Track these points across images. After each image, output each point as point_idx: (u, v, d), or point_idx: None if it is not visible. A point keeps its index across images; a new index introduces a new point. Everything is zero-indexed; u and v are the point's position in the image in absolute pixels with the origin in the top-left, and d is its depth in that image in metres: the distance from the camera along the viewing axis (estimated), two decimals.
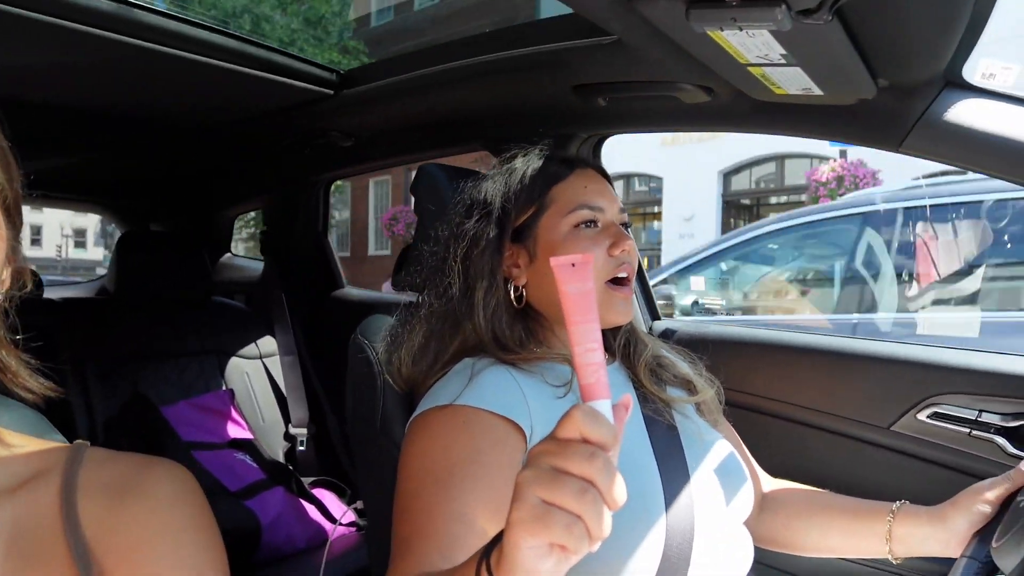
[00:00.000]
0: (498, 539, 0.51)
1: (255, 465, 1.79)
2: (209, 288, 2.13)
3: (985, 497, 0.88)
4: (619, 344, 1.04)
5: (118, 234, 2.37)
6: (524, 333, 0.96)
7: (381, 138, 1.65)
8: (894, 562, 0.94)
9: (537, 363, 0.92)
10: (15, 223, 0.54)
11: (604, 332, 1.05)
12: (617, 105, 1.21)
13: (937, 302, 3.07)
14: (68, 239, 28.22)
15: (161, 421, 1.72)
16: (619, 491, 0.45)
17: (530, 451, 0.49)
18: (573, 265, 0.49)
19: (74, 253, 28.03)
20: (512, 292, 0.97)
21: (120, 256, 2.04)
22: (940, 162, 1.01)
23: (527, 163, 0.99)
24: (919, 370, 1.13)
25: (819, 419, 1.23)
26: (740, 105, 1.10)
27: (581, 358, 0.48)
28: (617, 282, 0.95)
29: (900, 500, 0.97)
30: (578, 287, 0.48)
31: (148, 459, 0.59)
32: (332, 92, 1.39)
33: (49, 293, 2.05)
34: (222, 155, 1.98)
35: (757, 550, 0.95)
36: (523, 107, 1.33)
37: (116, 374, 1.88)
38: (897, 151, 1.00)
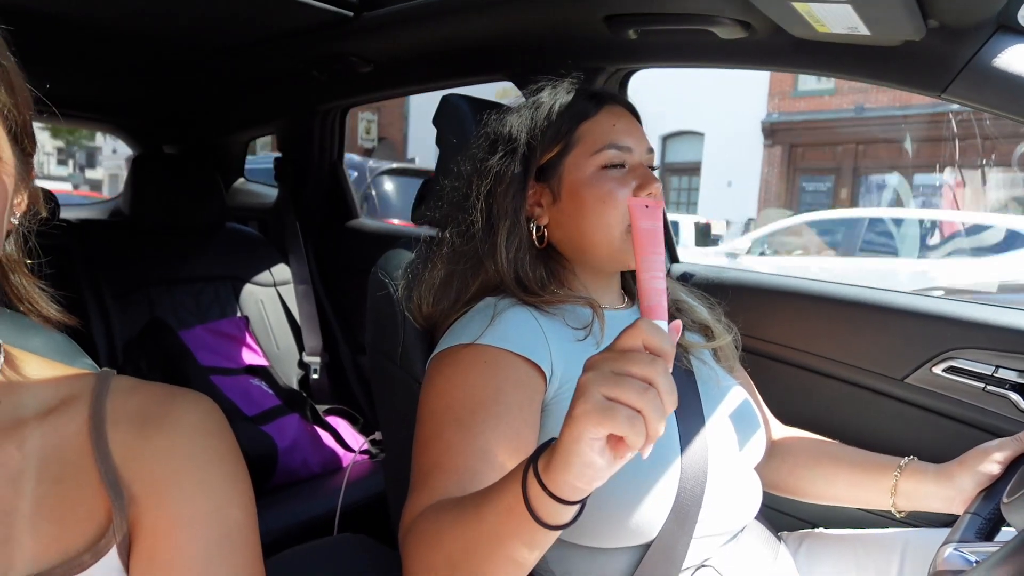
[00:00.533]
0: (543, 448, 0.55)
1: (270, 391, 1.83)
2: (223, 213, 2.12)
3: (993, 457, 0.89)
4: (636, 286, 1.04)
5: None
6: (546, 274, 0.95)
7: (401, 64, 1.60)
8: (897, 515, 0.96)
9: (558, 305, 0.92)
10: (25, 148, 0.53)
11: (624, 274, 1.04)
12: (648, 38, 1.16)
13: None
14: (50, 157, 28.03)
15: (180, 345, 1.74)
16: (675, 395, 0.50)
17: (589, 359, 0.53)
18: (647, 206, 0.58)
19: (56, 170, 27.73)
20: (534, 232, 0.96)
21: (135, 178, 2.02)
22: (984, 110, 0.97)
23: (554, 97, 0.96)
24: (937, 323, 1.12)
25: (833, 368, 1.23)
26: (778, 42, 1.05)
27: (647, 284, 0.57)
28: None
29: (909, 455, 0.98)
30: (650, 224, 0.57)
31: (174, 389, 0.60)
32: (352, 14, 1.34)
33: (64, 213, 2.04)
34: (237, 77, 1.93)
35: (764, 494, 0.97)
36: (550, 37, 1.28)
37: (133, 297, 1.89)
38: (940, 97, 0.96)
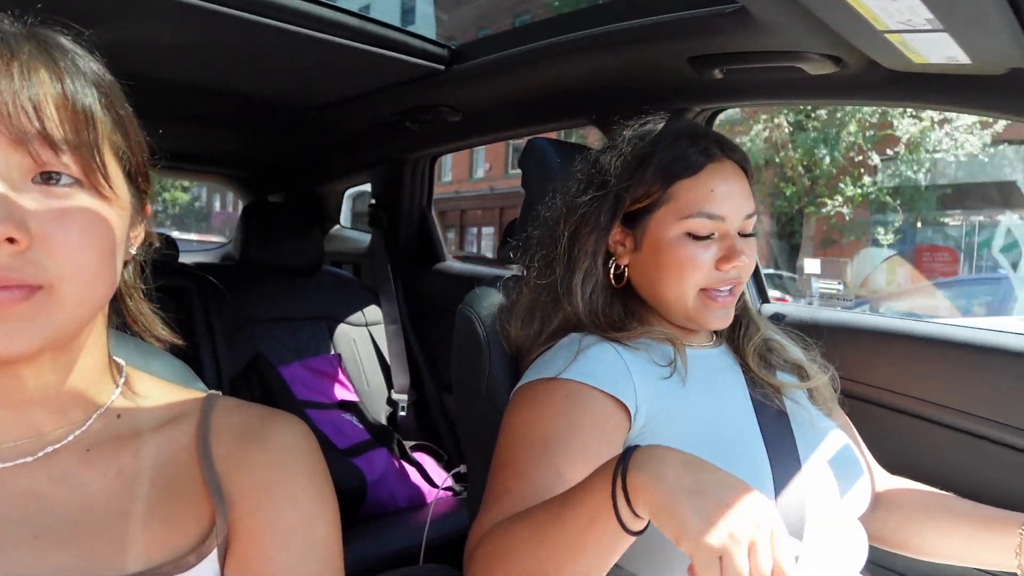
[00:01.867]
0: (628, 454, 0.59)
1: (360, 426, 1.89)
2: (321, 257, 2.24)
3: None
4: (728, 328, 1.01)
5: None
6: (624, 312, 0.95)
7: (489, 113, 1.66)
8: None
9: (640, 339, 0.91)
10: (139, 186, 0.59)
11: None
12: (734, 77, 1.16)
13: None
14: None
15: (279, 380, 1.84)
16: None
17: None
18: None
19: None
20: (613, 270, 0.96)
21: (245, 224, 2.18)
22: None
23: (659, 141, 0.92)
24: None
25: (944, 415, 1.14)
26: (872, 76, 1.02)
27: None
28: (716, 291, 0.91)
29: None
30: None
31: (272, 410, 0.65)
32: (443, 67, 1.42)
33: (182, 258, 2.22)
34: (336, 130, 2.06)
35: (871, 549, 0.91)
36: (634, 80, 1.30)
37: (239, 334, 2.02)
38: None
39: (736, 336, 1.00)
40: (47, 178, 0.49)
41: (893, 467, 1.09)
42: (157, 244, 0.65)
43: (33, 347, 0.49)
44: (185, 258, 2.22)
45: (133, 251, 0.60)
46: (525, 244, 1.02)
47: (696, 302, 0.90)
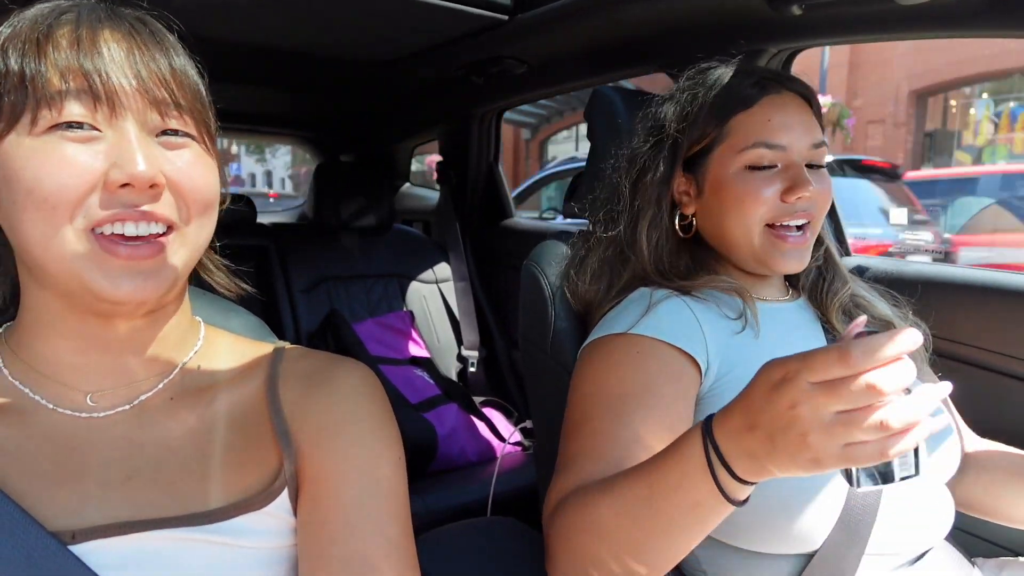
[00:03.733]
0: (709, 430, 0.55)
1: (432, 381, 1.93)
2: (392, 215, 2.28)
3: None
4: (808, 279, 0.96)
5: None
6: (692, 262, 0.92)
7: (554, 63, 1.62)
8: None
9: (708, 291, 0.88)
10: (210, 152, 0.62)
11: None
12: (815, 12, 1.07)
13: None
14: None
15: (353, 336, 1.90)
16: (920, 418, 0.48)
17: (775, 369, 0.50)
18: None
19: None
20: (679, 221, 0.93)
21: (318, 184, 2.23)
22: None
23: (714, 83, 0.90)
24: None
25: None
26: (971, 3, 0.93)
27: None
28: (791, 227, 0.86)
29: None
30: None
31: (336, 357, 0.68)
32: (506, 17, 1.38)
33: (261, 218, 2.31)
34: (401, 88, 2.07)
35: (957, 515, 0.86)
36: (706, 21, 1.23)
37: (315, 291, 2.10)
38: None
39: (819, 290, 0.96)
40: (171, 133, 0.56)
41: (986, 431, 1.03)
42: (227, 202, 0.67)
43: (161, 290, 0.55)
44: (263, 218, 2.30)
45: (222, 210, 0.63)
46: (592, 198, 1.00)
47: (763, 240, 0.86)
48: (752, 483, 0.53)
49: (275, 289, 2.03)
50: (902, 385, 0.46)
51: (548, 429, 1.04)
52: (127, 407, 0.59)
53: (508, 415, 2.02)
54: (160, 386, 0.61)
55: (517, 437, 1.89)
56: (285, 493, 0.60)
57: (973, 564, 0.91)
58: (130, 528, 0.54)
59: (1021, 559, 0.95)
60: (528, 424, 1.77)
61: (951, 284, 1.18)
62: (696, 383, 0.81)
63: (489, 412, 1.95)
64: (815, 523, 0.75)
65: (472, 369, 2.19)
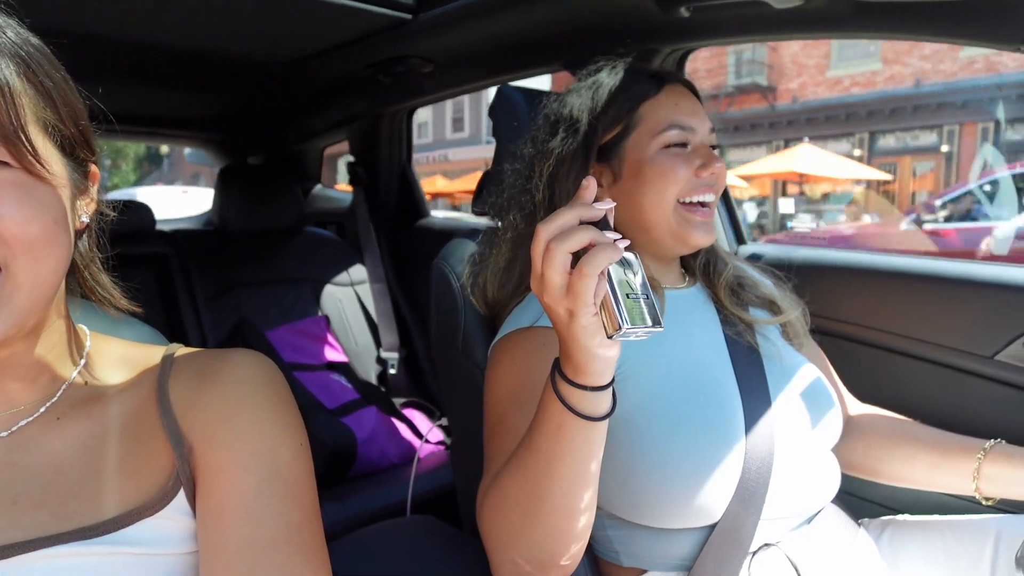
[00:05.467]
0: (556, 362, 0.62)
1: (350, 385, 1.91)
2: (302, 218, 2.22)
3: None
4: (699, 264, 1.02)
5: None
6: None
7: (460, 62, 1.63)
8: (983, 502, 0.91)
9: None
10: (78, 157, 0.57)
11: (684, 256, 1.03)
12: (701, 15, 1.14)
13: None
14: None
15: (265, 344, 1.85)
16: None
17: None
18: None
19: None
20: None
21: (222, 188, 2.15)
22: None
23: (614, 77, 0.95)
24: None
25: (914, 347, 1.17)
26: (839, 7, 1.00)
27: None
28: (697, 204, 0.93)
29: (997, 437, 0.92)
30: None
31: (228, 349, 0.65)
32: (410, 16, 1.38)
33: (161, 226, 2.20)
34: (307, 87, 2.02)
35: (842, 478, 0.94)
36: (602, 22, 1.27)
37: (223, 299, 2.02)
38: (1018, 50, 0.89)
39: (708, 272, 1.02)
40: None
41: (865, 399, 1.12)
42: (111, 212, 0.64)
43: (7, 332, 0.51)
44: (164, 225, 2.20)
45: (85, 219, 0.60)
46: (498, 198, 1.01)
47: (677, 216, 0.91)
48: (585, 386, 0.60)
49: (177, 299, 1.94)
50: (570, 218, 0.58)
51: (463, 426, 1.05)
52: (6, 434, 0.57)
53: (430, 414, 2.02)
54: (43, 409, 0.59)
55: (438, 435, 1.89)
56: (181, 494, 0.58)
57: (859, 525, 0.99)
58: (17, 550, 0.52)
59: (899, 517, 1.03)
60: (444, 421, 1.78)
61: (832, 267, 1.28)
62: None
63: (410, 413, 1.94)
64: (714, 496, 0.79)
65: (392, 371, 2.17)
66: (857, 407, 1.09)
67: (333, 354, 2.04)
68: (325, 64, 1.75)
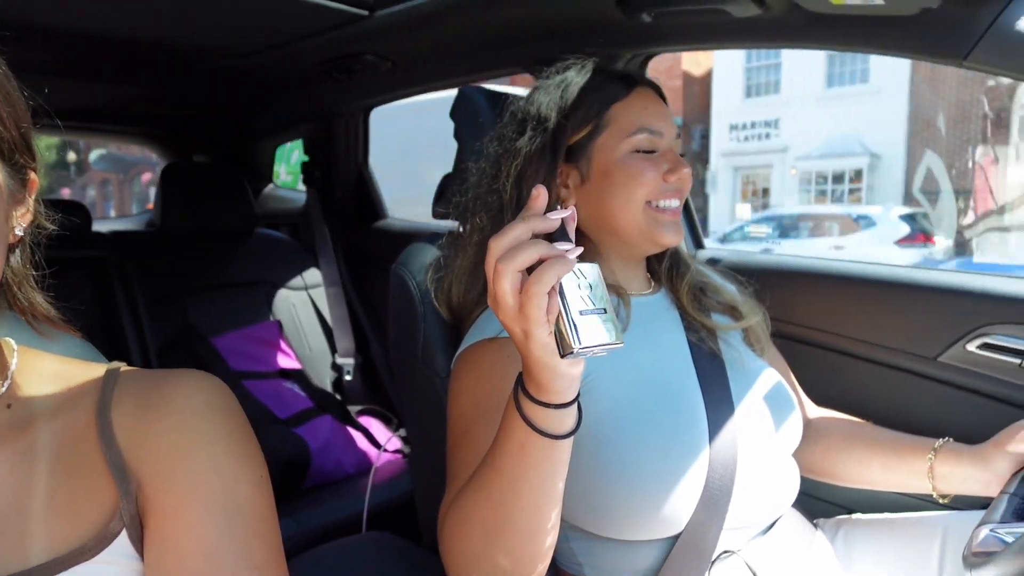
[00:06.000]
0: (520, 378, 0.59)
1: (303, 393, 1.85)
2: (252, 219, 2.15)
3: None
4: (664, 269, 1.02)
5: None
6: None
7: (419, 61, 1.60)
8: (940, 500, 0.93)
9: None
10: (17, 163, 0.53)
11: (649, 258, 1.02)
12: (662, 20, 1.14)
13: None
14: None
15: (211, 351, 1.78)
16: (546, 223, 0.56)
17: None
18: None
19: None
20: None
21: (164, 188, 2.07)
22: (1008, 76, 0.92)
23: (583, 76, 0.94)
24: (969, 299, 1.09)
25: (865, 349, 1.20)
26: (794, 18, 1.02)
27: None
28: (666, 206, 0.92)
29: (945, 435, 0.95)
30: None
31: (177, 371, 0.60)
32: (367, 12, 1.35)
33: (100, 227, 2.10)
34: (259, 83, 1.95)
35: (804, 482, 0.95)
36: (564, 25, 1.26)
37: (166, 304, 1.93)
38: (961, 65, 0.92)
39: (672, 276, 1.02)
40: None
41: (820, 400, 1.15)
42: (50, 225, 0.59)
43: None
44: (101, 226, 2.10)
45: (19, 231, 0.55)
46: (462, 199, 0.99)
47: (646, 217, 0.91)
48: (548, 404, 0.57)
49: (116, 305, 1.85)
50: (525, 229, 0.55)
51: (423, 436, 1.02)
52: None
53: (387, 422, 1.98)
54: None
55: (396, 444, 1.85)
56: (124, 535, 0.53)
57: (816, 526, 1.00)
58: None
59: (853, 516, 1.05)
60: (403, 432, 1.74)
61: (788, 272, 1.31)
62: None
63: (366, 421, 1.90)
64: (680, 506, 0.79)
65: (348, 377, 2.12)
66: (814, 410, 1.11)
67: (286, 361, 1.97)
68: (276, 60, 1.69)
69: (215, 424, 0.57)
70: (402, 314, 1.01)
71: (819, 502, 1.21)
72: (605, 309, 0.55)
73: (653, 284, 1.02)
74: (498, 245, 0.54)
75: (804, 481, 0.98)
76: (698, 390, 0.87)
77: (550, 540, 0.64)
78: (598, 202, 0.92)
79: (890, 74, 14.07)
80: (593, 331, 0.54)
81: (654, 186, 0.90)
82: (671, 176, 0.91)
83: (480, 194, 0.95)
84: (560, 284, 0.54)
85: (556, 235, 0.56)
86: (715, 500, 0.81)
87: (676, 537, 0.80)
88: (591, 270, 0.56)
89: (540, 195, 0.56)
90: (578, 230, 0.95)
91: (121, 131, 2.65)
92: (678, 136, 0.95)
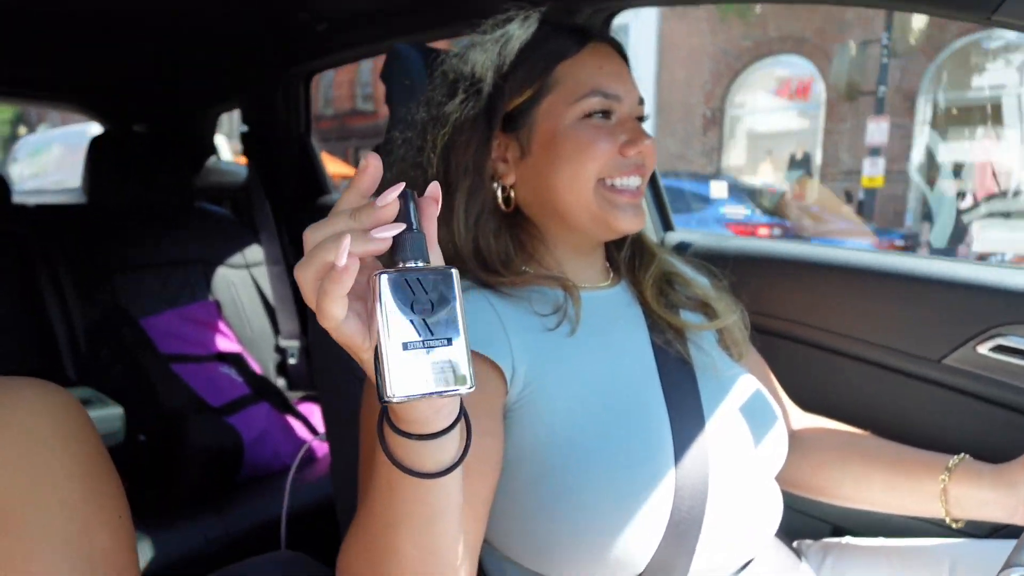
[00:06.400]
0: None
1: (240, 379, 1.72)
2: (188, 193, 2.00)
3: None
4: (624, 258, 0.88)
5: None
6: (511, 245, 0.79)
7: (356, 21, 1.46)
8: (953, 525, 0.80)
9: (523, 287, 0.77)
10: None
11: (607, 244, 0.88)
12: None
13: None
14: None
15: (138, 333, 1.64)
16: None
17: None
18: None
19: None
20: (499, 193, 0.80)
21: (93, 159, 1.90)
22: None
23: (526, 31, 0.79)
24: (981, 295, 0.95)
25: (857, 348, 1.07)
26: None
27: None
28: (623, 186, 0.78)
29: (951, 445, 0.83)
30: None
31: (11, 382, 0.49)
32: None
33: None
34: (191, 46, 1.79)
35: (785, 495, 0.83)
36: None
37: (95, 284, 1.79)
38: (989, 22, 0.80)
39: (633, 267, 0.88)
40: None
41: (808, 405, 1.02)
42: None
43: None
44: (25, 199, 1.93)
45: None
46: (387, 172, 0.85)
47: (599, 198, 0.77)
48: (410, 434, 0.45)
49: (39, 285, 1.70)
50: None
51: (341, 441, 0.91)
52: None
53: None
54: None
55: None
56: None
57: (798, 553, 0.87)
58: None
59: (843, 540, 0.93)
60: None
61: (772, 259, 1.17)
62: (501, 393, 0.70)
63: (307, 408, 1.78)
64: (638, 545, 0.67)
65: (293, 360, 2.00)
66: (801, 418, 0.98)
67: (224, 343, 1.84)
68: (208, 19, 1.54)
69: (66, 455, 0.47)
70: None
71: (801, 517, 1.09)
72: (450, 340, 0.40)
73: (612, 276, 0.88)
74: (311, 237, 0.41)
75: (787, 495, 0.86)
76: (662, 403, 0.74)
77: None
78: (541, 179, 0.78)
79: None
80: (415, 375, 0.39)
81: (607, 160, 0.77)
82: (629, 149, 0.77)
83: (405, 168, 0.81)
84: (380, 299, 0.40)
85: (403, 220, 0.42)
86: (681, 535, 0.68)
87: None
88: (442, 282, 0.41)
89: (368, 166, 0.43)
90: (521, 214, 0.82)
91: (49, 98, 2.46)
92: (641, 102, 0.81)
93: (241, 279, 2.05)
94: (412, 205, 0.42)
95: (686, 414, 0.73)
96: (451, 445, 0.46)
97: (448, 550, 0.51)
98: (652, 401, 0.74)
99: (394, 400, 0.39)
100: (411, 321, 0.40)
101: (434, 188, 0.45)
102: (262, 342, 2.01)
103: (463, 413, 0.47)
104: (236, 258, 2.06)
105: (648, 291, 0.84)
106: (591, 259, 0.85)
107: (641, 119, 0.82)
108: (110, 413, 1.33)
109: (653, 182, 1.38)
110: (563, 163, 0.76)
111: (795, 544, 0.91)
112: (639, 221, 0.80)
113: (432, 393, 0.40)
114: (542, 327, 0.74)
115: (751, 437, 0.78)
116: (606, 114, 0.78)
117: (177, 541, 1.25)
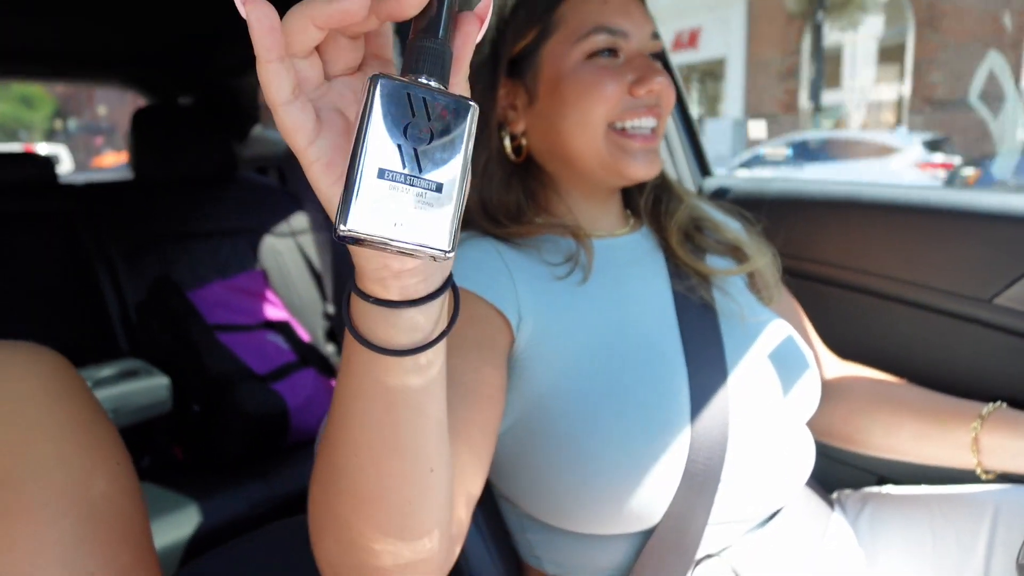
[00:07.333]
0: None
1: (287, 346, 1.74)
2: (231, 163, 2.01)
3: None
4: (646, 202, 0.83)
5: None
6: (523, 196, 0.77)
7: None
8: (983, 477, 0.75)
9: (534, 237, 0.74)
10: None
11: (627, 189, 0.84)
12: None
13: None
14: None
15: (185, 304, 1.66)
16: None
17: None
18: None
19: None
20: (508, 143, 0.77)
21: (137, 133, 1.93)
22: None
23: None
24: None
25: (901, 290, 0.99)
26: None
27: None
28: (631, 132, 0.73)
29: (997, 395, 0.77)
30: None
31: (2, 346, 0.50)
32: None
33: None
34: (229, 11, 1.77)
35: (816, 443, 0.78)
36: None
37: (144, 256, 1.83)
38: None
39: (659, 213, 0.83)
40: None
41: (846, 352, 0.96)
42: None
43: None
44: (75, 178, 1.98)
45: None
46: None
47: (609, 143, 0.72)
48: (369, 297, 0.36)
49: (90, 257, 1.75)
50: None
51: None
52: None
53: None
54: None
55: None
56: None
57: (834, 503, 0.84)
58: None
59: (883, 489, 0.89)
60: None
61: (811, 201, 1.09)
62: (506, 336, 0.66)
63: None
64: (651, 498, 0.63)
65: None
66: (836, 366, 0.93)
67: (273, 311, 1.86)
68: None
69: (58, 410, 0.49)
70: (349, 263, 0.86)
71: (845, 468, 1.03)
72: (440, 187, 0.31)
73: (632, 222, 0.84)
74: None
75: (822, 445, 0.82)
76: (680, 351, 0.70)
77: (421, 517, 0.43)
78: (549, 126, 0.74)
79: None
80: (381, 211, 0.30)
81: (616, 102, 0.71)
82: (639, 88, 0.71)
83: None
84: (369, 106, 0.30)
85: (428, 30, 0.32)
86: (699, 487, 0.65)
87: (651, 531, 0.66)
88: (454, 113, 0.31)
89: None
90: (533, 163, 0.78)
91: (94, 74, 2.50)
92: (654, 36, 0.75)
93: (287, 247, 2.06)
94: (446, 9, 0.32)
95: (706, 362, 0.69)
96: (415, 320, 0.36)
97: (413, 460, 0.41)
98: (669, 350, 0.70)
99: (346, 233, 0.30)
100: (398, 146, 0.31)
101: (484, 6, 0.34)
102: (310, 309, 2.03)
103: (451, 283, 0.38)
104: (282, 227, 2.07)
105: (673, 236, 0.79)
106: (607, 206, 0.81)
107: (657, 55, 0.76)
108: (156, 383, 1.36)
109: (688, 125, 1.29)
110: (569, 108, 0.72)
111: (835, 495, 0.86)
112: (653, 168, 0.75)
113: (395, 242, 0.31)
114: (551, 276, 0.71)
115: (779, 385, 0.73)
116: (613, 52, 0.72)
117: (222, 506, 1.28)
